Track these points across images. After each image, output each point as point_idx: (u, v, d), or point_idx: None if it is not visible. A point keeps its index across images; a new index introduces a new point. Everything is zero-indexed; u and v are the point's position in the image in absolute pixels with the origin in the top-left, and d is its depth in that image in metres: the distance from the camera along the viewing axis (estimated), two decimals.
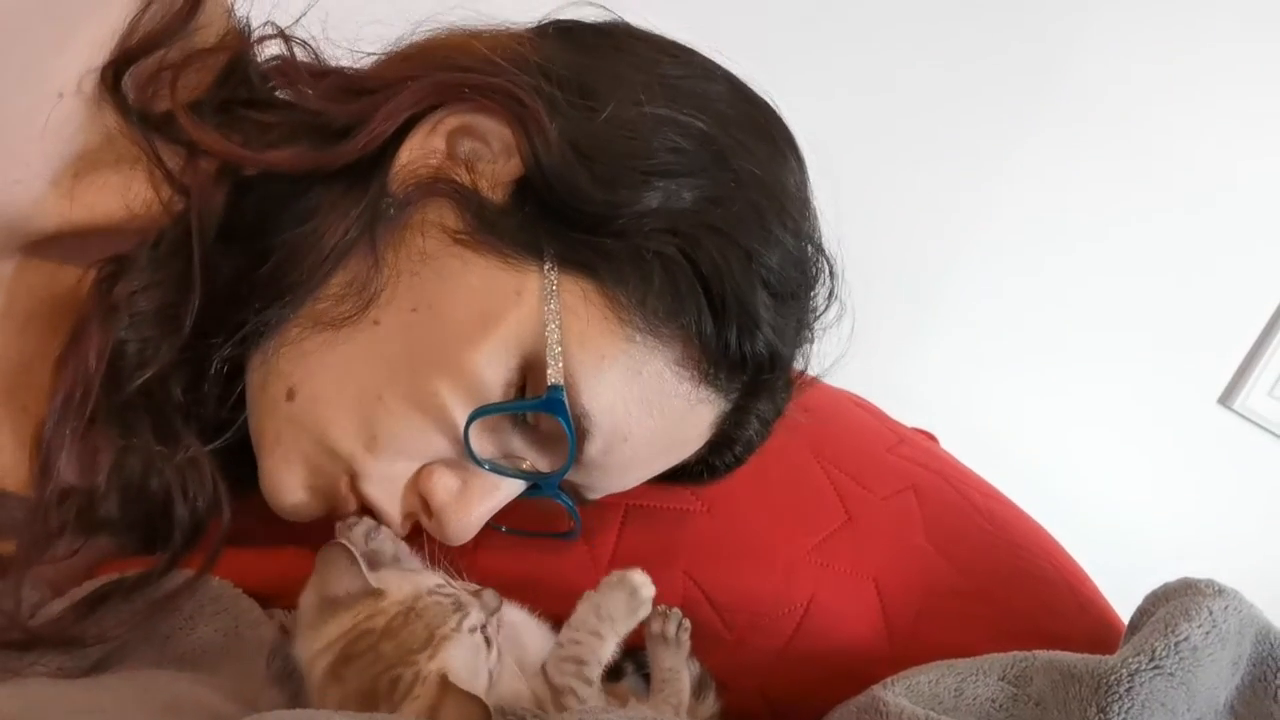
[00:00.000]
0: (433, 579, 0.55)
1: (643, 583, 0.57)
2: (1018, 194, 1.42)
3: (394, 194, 0.56)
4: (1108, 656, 0.58)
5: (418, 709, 0.49)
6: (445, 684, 0.49)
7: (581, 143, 0.55)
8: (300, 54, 0.60)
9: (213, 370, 0.57)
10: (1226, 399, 1.50)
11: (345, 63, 0.62)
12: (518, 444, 0.59)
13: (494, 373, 0.55)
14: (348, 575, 0.53)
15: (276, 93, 0.59)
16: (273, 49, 0.60)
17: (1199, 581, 0.63)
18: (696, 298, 0.56)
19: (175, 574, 0.59)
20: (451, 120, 0.57)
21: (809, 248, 0.61)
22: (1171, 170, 1.40)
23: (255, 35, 0.59)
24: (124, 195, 0.55)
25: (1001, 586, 0.74)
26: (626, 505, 0.71)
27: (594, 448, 0.57)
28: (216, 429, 0.60)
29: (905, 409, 0.97)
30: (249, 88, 0.58)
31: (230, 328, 0.56)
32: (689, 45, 0.63)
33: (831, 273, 0.64)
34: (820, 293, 0.63)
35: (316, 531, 0.63)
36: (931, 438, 0.98)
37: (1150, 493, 1.52)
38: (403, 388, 0.56)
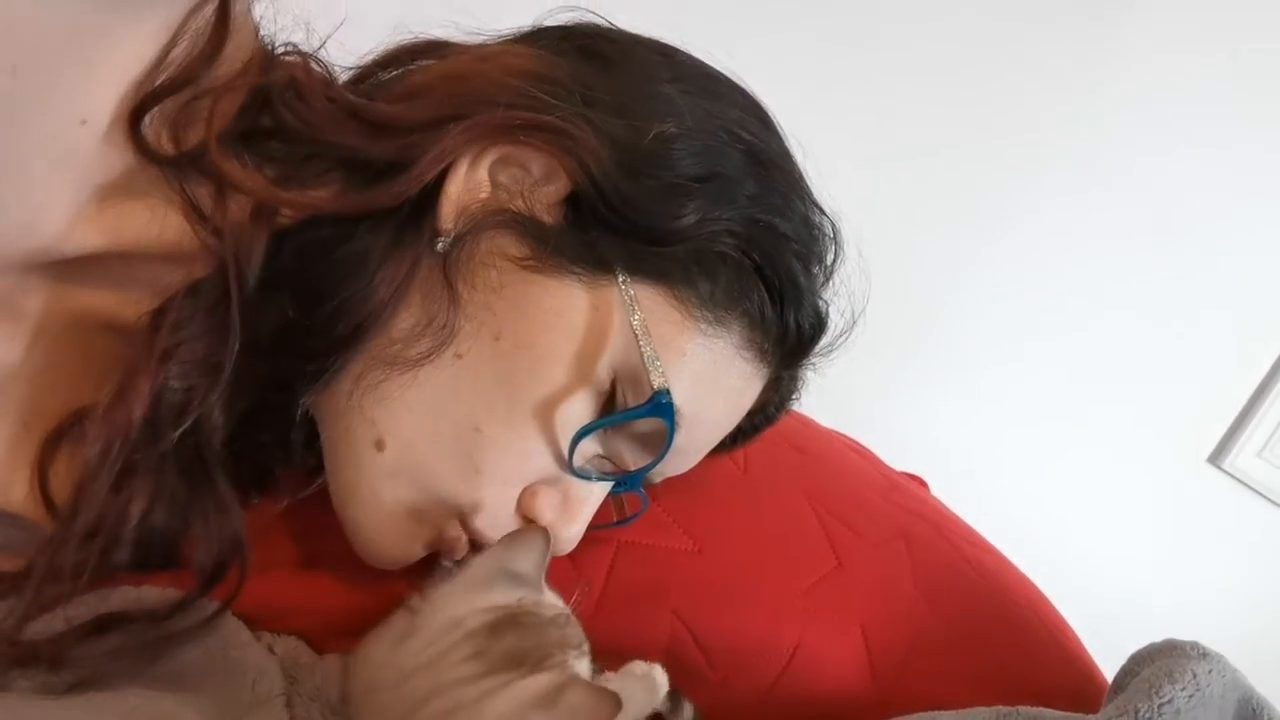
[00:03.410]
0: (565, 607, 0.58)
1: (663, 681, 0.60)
2: (1016, 250, 1.44)
3: (448, 231, 0.56)
4: (1091, 715, 0.58)
5: (545, 685, 0.51)
6: (576, 681, 0.52)
7: (631, 162, 0.56)
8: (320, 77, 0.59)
9: (263, 418, 0.57)
10: (1216, 458, 1.51)
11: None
12: (611, 442, 0.62)
13: (588, 388, 0.58)
14: (533, 560, 0.56)
15: (300, 121, 0.57)
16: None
17: (1184, 643, 0.63)
18: (757, 286, 0.60)
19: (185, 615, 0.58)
20: (493, 152, 0.57)
21: (815, 212, 0.65)
22: (1167, 231, 1.42)
23: (279, 59, 0.58)
24: (149, 224, 0.54)
25: (987, 639, 0.74)
26: (618, 542, 0.71)
27: (679, 438, 0.60)
28: (259, 478, 0.60)
29: (896, 453, 0.97)
30: (273, 115, 0.57)
31: (283, 375, 0.56)
32: (671, 45, 0.65)
33: (835, 229, 0.66)
34: (829, 249, 0.66)
35: (306, 556, 0.63)
36: (922, 483, 0.98)
37: (1137, 549, 1.52)
38: (500, 416, 0.57)
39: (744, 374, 0.62)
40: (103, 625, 0.56)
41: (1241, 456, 1.50)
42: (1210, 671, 0.59)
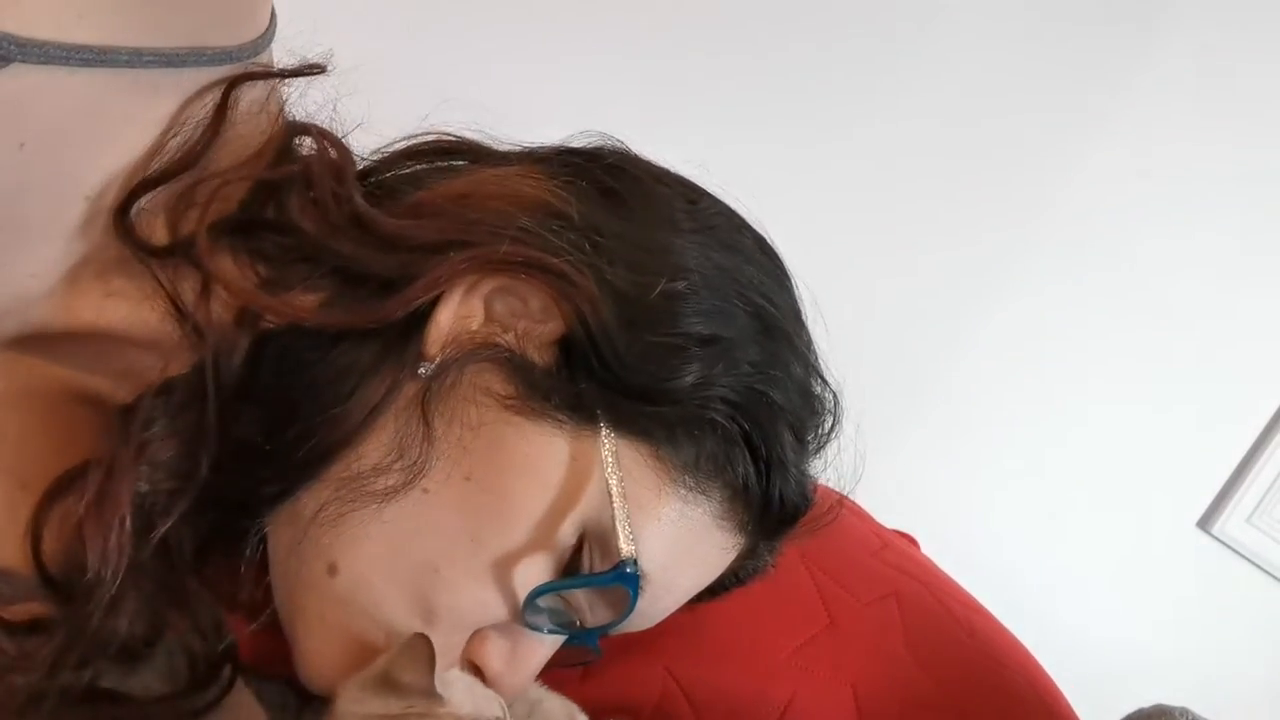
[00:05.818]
0: (496, 709, 0.54)
1: None
2: (1007, 312, 1.45)
3: (433, 358, 0.54)
4: None
5: None
6: None
7: (632, 316, 0.54)
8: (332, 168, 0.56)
9: (228, 533, 0.56)
10: (1205, 523, 1.52)
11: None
12: (571, 590, 0.58)
13: (555, 543, 0.55)
14: (419, 670, 0.51)
15: (302, 218, 0.54)
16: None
17: (1173, 708, 0.63)
18: (743, 456, 0.57)
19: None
20: (490, 282, 0.55)
21: (817, 382, 0.62)
22: (1158, 297, 1.44)
23: (295, 149, 0.56)
24: (134, 308, 0.53)
25: (977, 702, 0.74)
26: None
27: (641, 602, 0.56)
28: (234, 595, 0.58)
29: (887, 511, 0.97)
30: (278, 207, 0.54)
31: (249, 491, 0.54)
32: (700, 187, 0.63)
33: (837, 401, 0.64)
34: (826, 421, 0.63)
35: None
36: (912, 542, 0.98)
37: (1127, 613, 1.51)
38: (460, 560, 0.54)
39: (719, 544, 0.59)
40: (97, 697, 0.54)
41: (1230, 522, 1.50)
42: None
